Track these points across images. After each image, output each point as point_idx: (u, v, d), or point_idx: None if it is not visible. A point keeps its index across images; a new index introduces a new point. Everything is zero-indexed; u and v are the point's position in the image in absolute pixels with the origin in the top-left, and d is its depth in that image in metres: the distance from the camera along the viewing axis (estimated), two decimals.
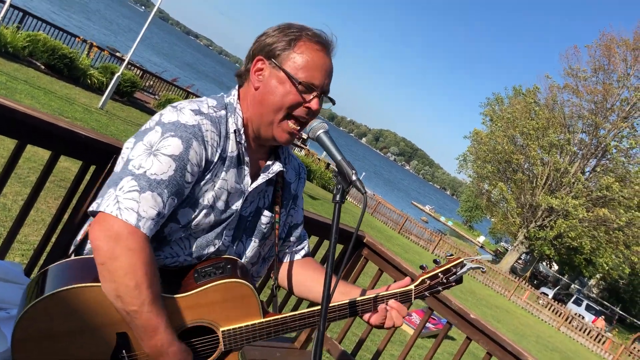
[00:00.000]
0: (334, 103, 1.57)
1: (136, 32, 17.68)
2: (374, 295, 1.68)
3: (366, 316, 1.68)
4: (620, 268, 38.77)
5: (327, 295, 1.22)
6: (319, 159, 30.05)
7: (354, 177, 1.35)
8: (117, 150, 2.33)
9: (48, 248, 2.54)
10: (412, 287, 1.73)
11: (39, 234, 5.13)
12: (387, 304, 1.68)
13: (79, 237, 1.56)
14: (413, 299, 1.73)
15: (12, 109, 1.92)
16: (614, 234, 36.12)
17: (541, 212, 39.57)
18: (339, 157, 1.40)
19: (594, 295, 51.25)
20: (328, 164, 30.03)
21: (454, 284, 1.77)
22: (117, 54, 22.25)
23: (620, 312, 46.85)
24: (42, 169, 2.29)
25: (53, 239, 2.50)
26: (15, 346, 1.27)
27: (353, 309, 1.65)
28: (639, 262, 35.11)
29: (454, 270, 1.75)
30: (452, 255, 1.79)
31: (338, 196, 1.33)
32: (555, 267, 57.37)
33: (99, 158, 2.34)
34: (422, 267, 1.78)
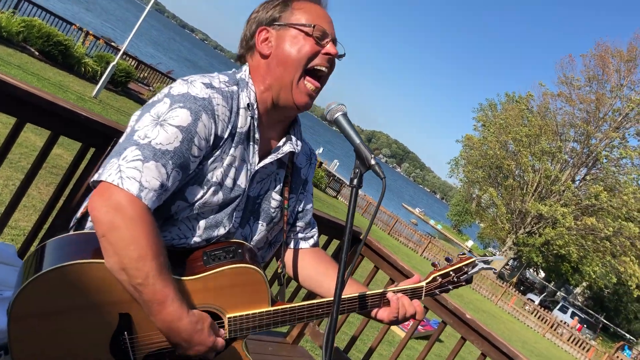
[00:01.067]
0: (344, 55, 1.54)
1: (133, 24, 17.57)
2: (382, 290, 1.64)
3: (375, 312, 1.64)
4: (607, 277, 39.03)
5: (342, 282, 1.18)
6: None
7: (372, 162, 1.30)
8: (117, 134, 2.28)
9: (42, 233, 2.49)
10: (423, 284, 1.69)
11: (30, 219, 5.06)
12: (398, 299, 1.62)
13: (80, 211, 1.49)
14: (423, 296, 1.69)
15: (14, 86, 1.87)
16: (601, 243, 36.36)
17: (530, 219, 39.78)
18: (357, 141, 1.34)
19: (579, 303, 51.54)
20: (320, 163, 30.00)
21: (464, 283, 1.74)
22: (113, 43, 22.08)
23: (604, 321, 47.17)
24: (40, 149, 2.24)
25: (47, 225, 2.46)
26: (11, 324, 1.21)
27: (363, 303, 1.61)
28: (625, 271, 35.32)
29: (466, 269, 1.72)
30: (464, 254, 1.75)
31: (356, 180, 1.28)
32: (542, 274, 57.68)
33: (99, 140, 2.29)
34: (433, 265, 1.74)
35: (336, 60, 1.53)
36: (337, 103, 1.44)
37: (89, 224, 1.44)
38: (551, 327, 30.35)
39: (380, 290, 1.64)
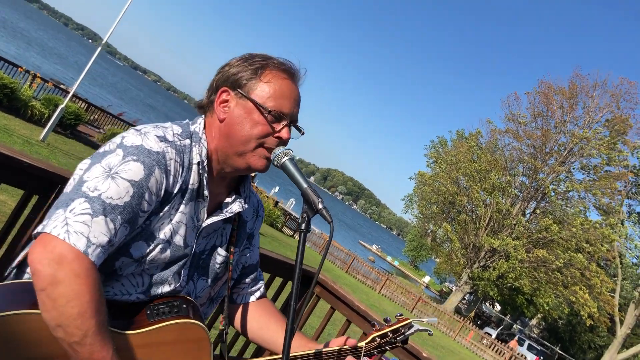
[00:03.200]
0: (302, 133, 1.52)
1: (83, 65, 17.37)
2: (327, 350, 1.66)
3: None
4: (560, 308, 39.83)
5: (291, 329, 1.15)
6: (267, 197, 29.89)
7: (320, 206, 1.30)
8: (62, 181, 2.21)
9: None
10: (362, 344, 1.74)
11: None
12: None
13: (18, 258, 1.41)
14: (362, 356, 1.73)
15: None
16: (552, 274, 37.17)
17: (484, 253, 40.45)
18: (304, 185, 1.34)
19: (535, 335, 52.28)
20: (277, 202, 29.91)
21: (400, 344, 1.79)
22: (62, 86, 21.73)
23: (560, 352, 47.90)
24: None
25: None
26: None
27: None
28: (577, 301, 36.13)
29: (403, 330, 1.78)
30: (401, 315, 1.82)
31: (304, 225, 1.27)
32: (498, 307, 58.42)
33: (43, 188, 2.21)
34: (372, 325, 1.81)
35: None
36: (283, 147, 1.44)
37: (27, 272, 1.36)
38: (509, 359, 30.60)
39: (326, 349, 1.66)
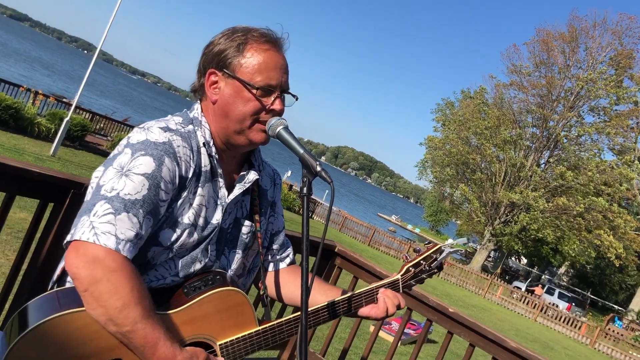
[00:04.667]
0: (297, 99, 1.54)
1: (81, 76, 17.45)
2: (364, 289, 1.70)
3: (364, 311, 1.70)
4: (586, 253, 39.70)
5: (306, 289, 1.21)
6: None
7: (318, 168, 1.34)
8: (74, 186, 2.27)
9: (11, 297, 2.44)
10: (398, 276, 1.76)
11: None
12: (381, 294, 1.71)
13: (57, 272, 1.48)
14: (401, 288, 1.76)
15: None
16: (575, 220, 37.02)
17: (504, 208, 40.35)
18: (301, 151, 1.38)
19: (565, 283, 52.26)
20: (291, 186, 29.98)
21: (435, 270, 1.81)
22: (64, 99, 21.84)
23: (592, 297, 47.87)
24: None
25: (15, 289, 2.41)
26: None
27: (345, 305, 1.66)
28: (602, 244, 36.00)
29: (434, 256, 1.79)
30: (430, 242, 1.84)
31: (305, 189, 1.32)
32: (524, 260, 58.39)
33: (56, 195, 2.27)
34: (404, 258, 1.82)
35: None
36: (277, 118, 1.47)
37: (68, 283, 1.43)
38: (541, 310, 30.67)
39: (362, 289, 1.70)
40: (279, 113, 1.49)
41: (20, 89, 18.28)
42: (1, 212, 2.20)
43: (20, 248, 2.36)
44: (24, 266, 2.40)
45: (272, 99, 1.48)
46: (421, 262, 1.78)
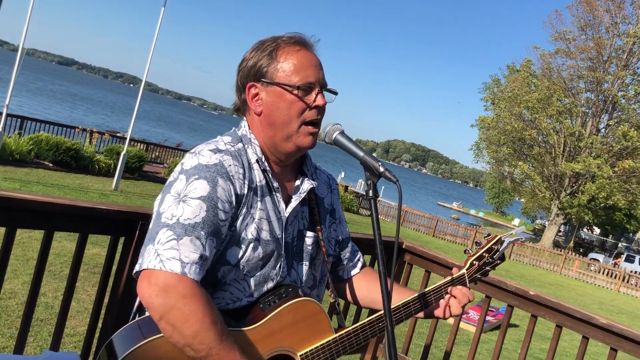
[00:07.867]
0: (336, 93, 1.56)
1: (131, 109, 18.04)
2: (433, 287, 1.72)
3: (437, 311, 1.73)
4: None
5: (387, 292, 1.19)
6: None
7: (381, 169, 1.34)
8: (141, 217, 2.32)
9: (97, 333, 2.53)
10: (463, 271, 1.78)
11: (86, 323, 5.13)
12: (449, 292, 1.73)
13: (137, 302, 1.55)
14: (468, 282, 1.78)
15: (27, 200, 1.92)
16: None
17: (568, 180, 39.07)
18: (361, 154, 1.38)
19: None
20: (346, 187, 30.00)
21: (498, 261, 1.83)
22: (118, 134, 22.64)
23: None
24: (73, 254, 2.28)
25: (100, 323, 2.49)
26: None
27: (417, 305, 1.68)
28: None
29: (496, 247, 1.80)
30: (489, 234, 1.84)
31: (371, 192, 1.32)
32: (597, 230, 56.32)
33: (125, 228, 2.33)
34: (465, 252, 1.83)
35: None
36: (332, 124, 1.48)
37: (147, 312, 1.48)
38: (623, 280, 29.47)
39: (432, 288, 1.72)
40: (322, 108, 1.51)
41: (76, 130, 19.07)
42: (77, 251, 2.28)
43: (100, 283, 2.44)
44: (105, 299, 2.49)
45: (314, 95, 1.49)
46: (484, 254, 1.80)
